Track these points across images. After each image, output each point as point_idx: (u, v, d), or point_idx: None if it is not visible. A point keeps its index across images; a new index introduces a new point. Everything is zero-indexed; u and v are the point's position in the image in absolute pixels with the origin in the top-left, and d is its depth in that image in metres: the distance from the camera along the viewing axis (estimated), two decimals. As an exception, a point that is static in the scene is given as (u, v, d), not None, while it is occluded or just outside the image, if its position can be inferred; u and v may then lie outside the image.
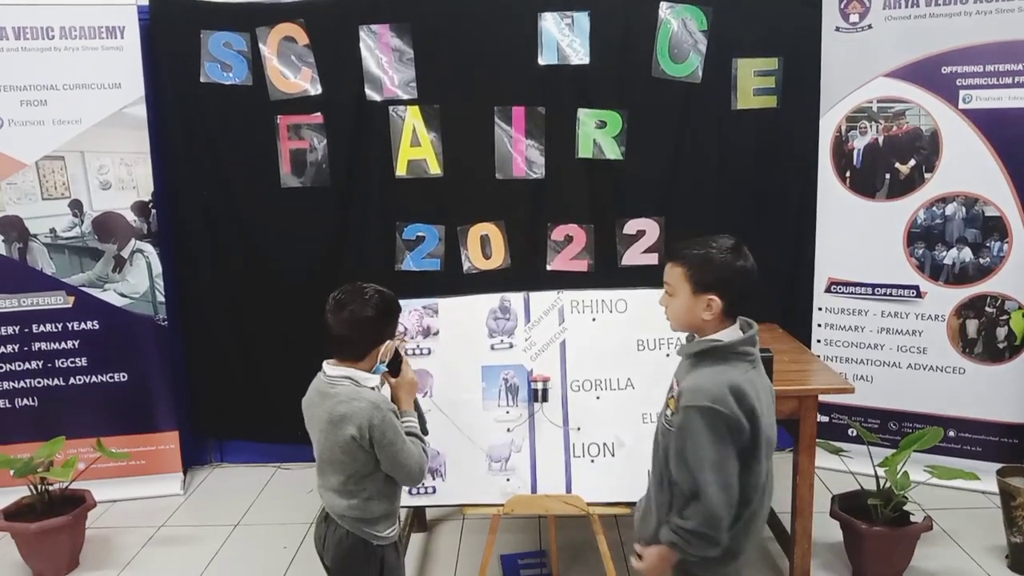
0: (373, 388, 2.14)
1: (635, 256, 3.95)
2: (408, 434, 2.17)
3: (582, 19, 3.77)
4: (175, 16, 3.83)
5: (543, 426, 2.75)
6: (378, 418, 2.05)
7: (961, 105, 3.59)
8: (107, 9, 3.68)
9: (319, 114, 3.89)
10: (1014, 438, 3.68)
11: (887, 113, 3.73)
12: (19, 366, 3.80)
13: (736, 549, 1.88)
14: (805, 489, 2.85)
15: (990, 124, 3.56)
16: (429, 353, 2.81)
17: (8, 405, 3.82)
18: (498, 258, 4.00)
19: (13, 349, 3.79)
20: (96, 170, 3.77)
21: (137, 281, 3.87)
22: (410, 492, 2.78)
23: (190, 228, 4.03)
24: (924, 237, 3.74)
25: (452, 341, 2.82)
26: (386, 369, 2.21)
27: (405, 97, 3.86)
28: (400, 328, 2.61)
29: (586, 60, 3.81)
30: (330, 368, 2.15)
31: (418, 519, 3.53)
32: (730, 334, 1.86)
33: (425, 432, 2.31)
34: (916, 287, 3.77)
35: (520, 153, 3.90)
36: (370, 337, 2.12)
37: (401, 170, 3.93)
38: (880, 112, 3.74)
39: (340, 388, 2.10)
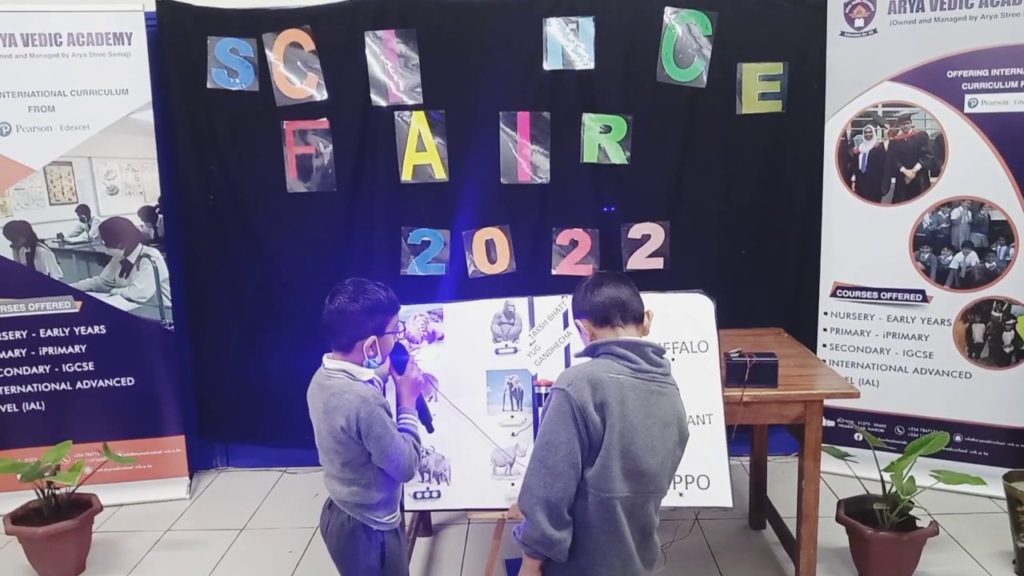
0: (368, 382, 2.18)
1: (640, 260, 3.95)
2: (403, 430, 2.22)
3: (587, 24, 3.78)
4: (182, 22, 3.85)
5: (548, 431, 2.75)
6: (365, 411, 2.09)
7: (967, 109, 3.59)
8: (115, 16, 3.71)
9: (325, 119, 3.91)
10: (1020, 443, 3.66)
11: (892, 117, 3.73)
12: (26, 370, 3.82)
13: (585, 569, 1.89)
14: (811, 494, 2.84)
15: (996, 128, 3.55)
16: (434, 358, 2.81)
17: (15, 409, 3.84)
18: (503, 262, 4.00)
19: (21, 353, 3.81)
20: (103, 175, 3.79)
21: (144, 286, 3.88)
22: (415, 496, 2.78)
23: (196, 233, 4.04)
24: (930, 241, 3.73)
25: (457, 346, 2.82)
26: (379, 365, 2.25)
27: (411, 102, 3.87)
28: (399, 327, 2.62)
29: (591, 65, 3.81)
30: (328, 361, 2.21)
31: (423, 523, 3.54)
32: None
33: (430, 430, 2.42)
34: (922, 291, 3.76)
35: (525, 158, 3.91)
36: (350, 330, 2.16)
37: (407, 175, 3.94)
38: (885, 116, 3.74)
39: (335, 380, 2.16)
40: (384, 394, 2.27)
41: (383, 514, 2.23)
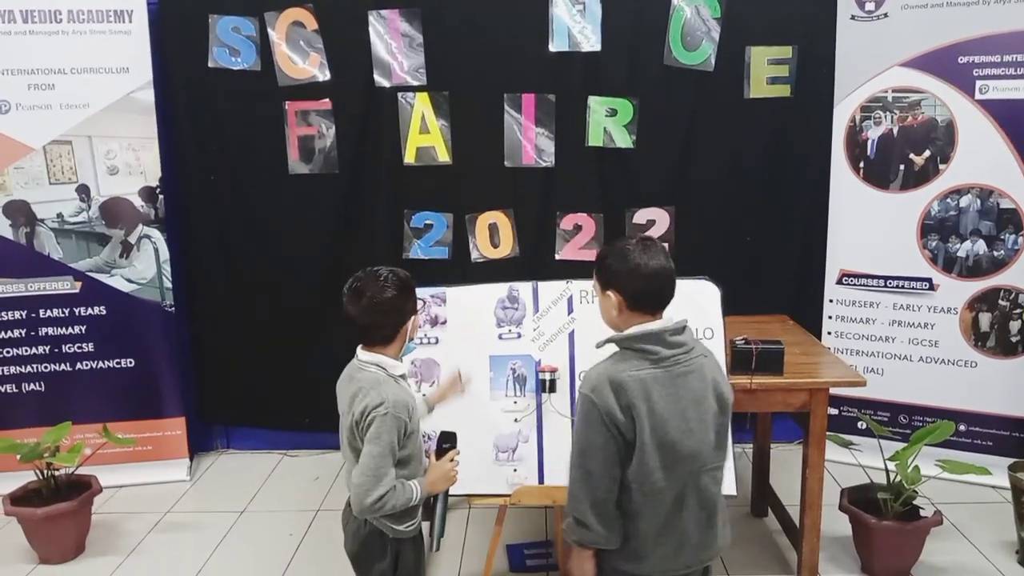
0: (399, 377, 2.13)
1: (645, 246, 3.91)
2: (405, 478, 2.08)
3: (594, 5, 3.73)
4: (183, 0, 3.80)
5: (551, 417, 2.73)
6: (380, 412, 2.00)
7: (977, 96, 3.54)
8: (115, -8, 3.66)
9: (328, 100, 3.87)
10: (1026, 433, 3.65)
11: (902, 103, 3.68)
12: (26, 351, 3.80)
13: (637, 551, 1.88)
14: (814, 482, 2.83)
15: (1007, 115, 3.51)
16: (436, 342, 2.79)
17: (15, 390, 3.82)
18: (506, 247, 3.97)
19: (20, 334, 3.79)
20: (103, 155, 3.76)
21: (144, 267, 3.86)
22: (416, 481, 2.76)
23: (197, 214, 4.02)
24: (938, 229, 3.70)
25: (460, 330, 2.80)
26: (414, 348, 2.20)
27: (414, 83, 3.83)
28: (420, 302, 2.55)
29: (597, 47, 3.77)
30: (362, 353, 2.14)
31: (424, 508, 3.52)
32: (629, 329, 1.91)
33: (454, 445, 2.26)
34: (929, 279, 3.73)
35: (530, 141, 3.87)
36: (393, 318, 2.11)
37: (410, 157, 3.90)
38: (895, 102, 3.70)
39: (365, 374, 2.10)
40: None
41: (401, 521, 2.14)
